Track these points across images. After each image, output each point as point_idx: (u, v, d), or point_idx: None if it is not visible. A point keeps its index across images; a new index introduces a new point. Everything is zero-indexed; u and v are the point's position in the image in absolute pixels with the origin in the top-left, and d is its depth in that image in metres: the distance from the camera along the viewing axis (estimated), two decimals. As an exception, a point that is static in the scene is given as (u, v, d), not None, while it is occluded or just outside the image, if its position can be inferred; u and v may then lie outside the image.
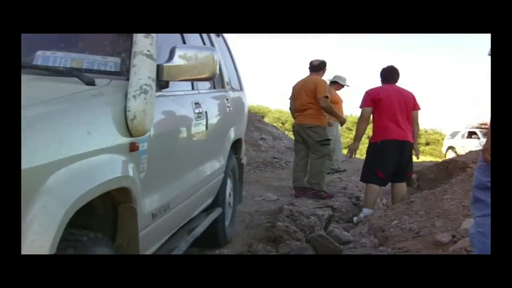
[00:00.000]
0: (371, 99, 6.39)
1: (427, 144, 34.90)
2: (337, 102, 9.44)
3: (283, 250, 4.90)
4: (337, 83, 9.76)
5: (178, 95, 3.35)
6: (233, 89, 5.22)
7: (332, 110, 7.76)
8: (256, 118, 16.90)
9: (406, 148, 6.38)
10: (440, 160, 13.06)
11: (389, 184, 6.71)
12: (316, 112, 7.52)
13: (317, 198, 7.27)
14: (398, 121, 6.31)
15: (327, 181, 8.75)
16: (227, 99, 4.79)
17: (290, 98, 8.04)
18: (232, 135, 4.94)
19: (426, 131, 35.14)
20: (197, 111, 3.62)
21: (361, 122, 6.63)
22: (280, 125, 28.93)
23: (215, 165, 4.34)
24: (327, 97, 7.49)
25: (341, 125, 9.42)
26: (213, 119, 4.18)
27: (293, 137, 8.80)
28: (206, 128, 3.85)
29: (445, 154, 23.10)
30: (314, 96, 7.46)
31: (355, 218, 6.40)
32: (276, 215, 6.10)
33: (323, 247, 4.64)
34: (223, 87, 4.81)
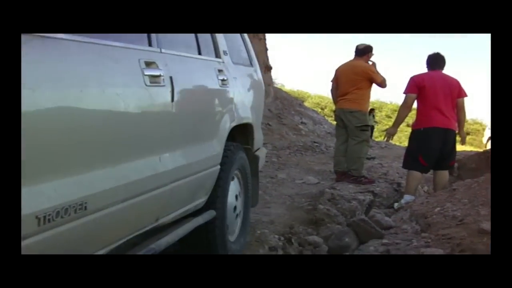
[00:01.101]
0: (415, 85, 6.32)
1: (467, 134, 34.38)
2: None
3: (323, 233, 4.92)
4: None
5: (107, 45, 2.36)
6: (235, 63, 4.25)
7: (384, 84, 7.64)
8: (297, 102, 16.88)
9: (449, 136, 6.31)
10: (480, 150, 12.87)
11: (431, 171, 6.66)
12: (358, 96, 7.46)
13: (357, 184, 7.24)
14: (442, 109, 6.23)
15: (368, 166, 8.73)
16: (220, 71, 3.77)
17: (332, 81, 7.98)
18: (231, 117, 3.89)
19: (466, 121, 34.70)
20: (150, 72, 2.63)
21: (404, 108, 6.58)
22: (320, 110, 28.91)
23: (200, 154, 3.32)
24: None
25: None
26: (189, 91, 3.20)
27: (333, 122, 8.78)
28: (172, 100, 2.83)
29: (486, 144, 22.78)
30: (356, 81, 7.42)
31: (396, 204, 6.36)
32: (317, 198, 6.11)
33: (364, 231, 4.63)
34: (217, 56, 3.89)
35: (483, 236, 3.93)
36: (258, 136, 4.70)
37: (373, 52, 7.73)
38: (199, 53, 3.54)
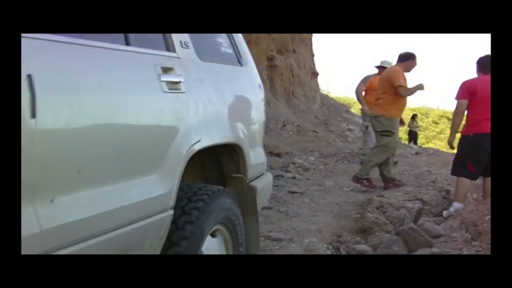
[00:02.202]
0: (468, 91, 6.20)
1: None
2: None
3: (372, 241, 4.90)
4: (382, 68, 9.02)
5: None
6: (206, 60, 3.10)
7: (411, 91, 7.40)
8: (343, 108, 16.84)
9: None
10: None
11: (480, 178, 6.56)
12: (385, 102, 7.39)
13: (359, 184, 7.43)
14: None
15: (416, 173, 8.67)
16: (167, 69, 2.60)
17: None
18: (189, 138, 2.67)
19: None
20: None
21: (457, 114, 6.42)
22: (366, 116, 28.74)
23: (120, 197, 2.17)
24: (402, 86, 7.27)
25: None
26: (75, 99, 1.94)
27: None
28: (33, 115, 1.70)
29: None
30: (384, 86, 7.40)
31: (445, 212, 6.28)
32: (365, 206, 6.10)
33: (414, 240, 4.61)
34: (168, 49, 2.75)
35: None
36: (256, 159, 3.58)
37: (416, 61, 7.60)
38: (127, 43, 2.40)
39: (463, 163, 6.27)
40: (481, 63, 6.39)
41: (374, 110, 7.62)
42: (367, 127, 8.92)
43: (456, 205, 6.16)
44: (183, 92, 2.69)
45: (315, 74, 17.96)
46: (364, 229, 5.21)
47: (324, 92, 23.69)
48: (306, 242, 4.72)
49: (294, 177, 7.99)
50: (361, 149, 11.21)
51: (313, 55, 18.03)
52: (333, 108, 17.74)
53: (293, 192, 7.03)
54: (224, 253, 3.02)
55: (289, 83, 15.10)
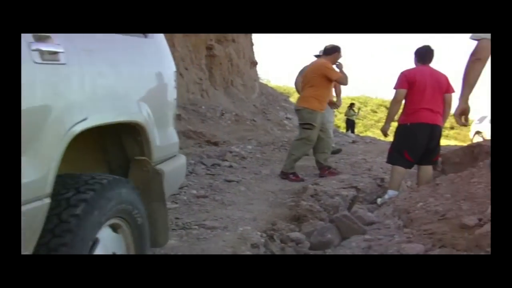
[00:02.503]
0: (406, 81, 6.26)
1: (452, 128, 34.77)
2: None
3: (306, 229, 4.90)
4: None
5: None
6: None
7: (347, 79, 7.56)
8: (282, 98, 16.89)
9: (436, 131, 6.28)
10: (465, 144, 12.91)
11: (415, 166, 6.65)
12: (309, 95, 7.45)
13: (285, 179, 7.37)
14: (430, 104, 6.18)
15: (352, 161, 8.75)
16: (37, 38, 2.12)
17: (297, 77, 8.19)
18: (69, 116, 2.26)
19: (451, 115, 35.03)
20: None
21: (395, 103, 6.51)
22: (306, 106, 29.00)
23: None
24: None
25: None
26: None
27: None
28: None
29: (472, 138, 22.82)
30: (311, 79, 7.46)
31: (379, 200, 6.34)
32: (300, 194, 6.11)
33: (347, 227, 4.63)
34: None
35: (464, 231, 3.93)
36: (164, 140, 3.26)
37: (341, 54, 7.68)
38: None
39: (400, 152, 6.33)
40: (420, 54, 6.46)
41: (297, 103, 7.66)
42: None
43: (390, 192, 6.23)
44: (64, 64, 2.28)
45: (254, 64, 17.96)
46: (298, 217, 5.21)
47: (264, 81, 23.75)
48: (240, 230, 4.67)
49: (231, 166, 7.94)
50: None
51: (252, 45, 18.02)
52: (272, 97, 17.77)
53: (229, 181, 6.98)
54: (123, 247, 2.67)
55: (228, 72, 15.05)
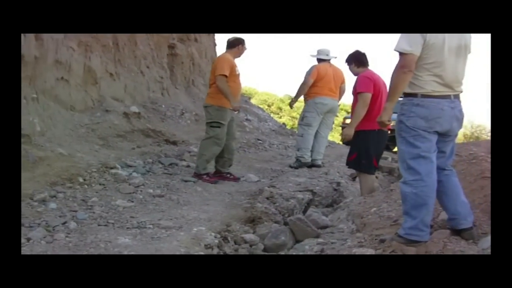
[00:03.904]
0: (372, 84, 6.04)
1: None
2: (322, 78, 8.35)
3: (260, 231, 4.93)
4: (322, 60, 8.56)
5: None
6: None
7: (226, 91, 6.99)
8: (243, 99, 16.85)
9: (386, 136, 6.26)
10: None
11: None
12: (214, 91, 7.17)
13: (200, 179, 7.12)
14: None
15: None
16: None
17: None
18: None
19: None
20: None
21: (363, 107, 6.02)
22: (266, 107, 28.99)
23: None
24: (225, 76, 7.01)
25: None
26: None
27: (279, 119, 8.67)
28: None
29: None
30: (213, 76, 7.18)
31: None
32: (256, 196, 6.13)
33: (300, 230, 4.67)
34: None
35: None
36: None
37: (245, 46, 7.41)
38: None
39: (369, 159, 6.11)
40: (358, 59, 6.33)
41: (206, 100, 7.36)
42: (302, 119, 8.46)
43: None
44: None
45: (216, 64, 17.89)
46: (253, 219, 5.24)
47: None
48: (194, 230, 4.67)
49: (188, 166, 7.91)
50: (258, 140, 11.31)
51: (215, 45, 17.94)
52: (233, 98, 17.74)
53: (186, 181, 6.96)
54: None
55: (190, 71, 14.95)
